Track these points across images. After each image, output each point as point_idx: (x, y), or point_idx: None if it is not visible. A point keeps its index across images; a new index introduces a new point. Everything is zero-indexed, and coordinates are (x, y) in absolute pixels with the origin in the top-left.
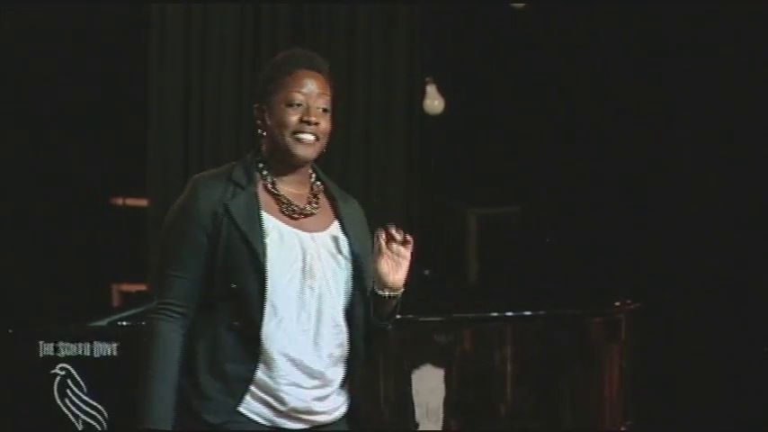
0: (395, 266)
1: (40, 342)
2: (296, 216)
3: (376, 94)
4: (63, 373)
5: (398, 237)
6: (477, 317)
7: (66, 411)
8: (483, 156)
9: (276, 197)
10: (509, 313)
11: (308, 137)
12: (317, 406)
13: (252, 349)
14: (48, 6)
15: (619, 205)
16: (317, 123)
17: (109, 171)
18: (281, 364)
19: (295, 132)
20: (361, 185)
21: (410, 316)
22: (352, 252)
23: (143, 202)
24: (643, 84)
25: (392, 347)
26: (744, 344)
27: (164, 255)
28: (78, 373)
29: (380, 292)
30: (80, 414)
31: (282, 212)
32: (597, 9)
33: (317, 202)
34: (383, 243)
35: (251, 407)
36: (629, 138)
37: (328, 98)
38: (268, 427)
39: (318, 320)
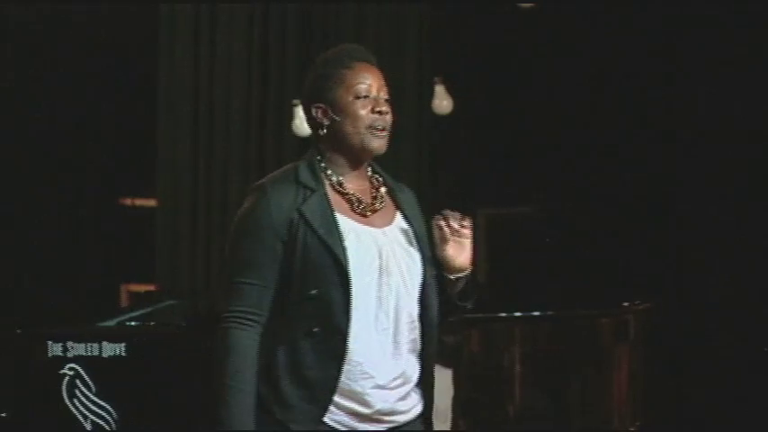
0: (459, 248)
1: (49, 342)
2: (367, 213)
3: None
4: (72, 373)
5: (455, 222)
6: (485, 317)
7: (75, 411)
8: (492, 156)
9: (344, 196)
10: (517, 314)
11: (383, 130)
12: (400, 405)
13: (336, 355)
14: (56, 6)
15: (628, 205)
16: (387, 113)
17: (118, 172)
18: (366, 368)
19: (370, 126)
20: None
21: None
22: (420, 242)
23: (152, 203)
24: (651, 84)
25: None
26: (752, 344)
27: (236, 262)
28: (87, 373)
29: (450, 276)
30: (89, 414)
31: (354, 211)
32: (605, 9)
33: (381, 196)
34: (445, 230)
35: (335, 416)
36: (638, 138)
37: (387, 89)
38: None
39: (396, 318)
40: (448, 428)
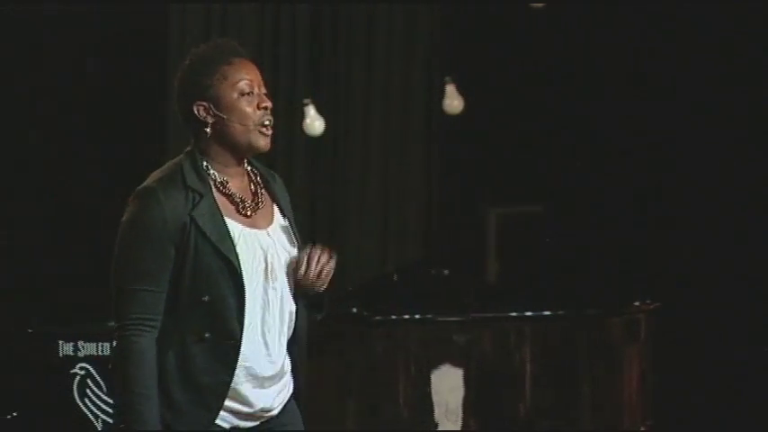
0: (317, 280)
1: (60, 342)
2: (249, 214)
3: (395, 94)
4: (83, 372)
5: (317, 263)
6: (496, 317)
7: (86, 411)
8: (503, 155)
9: (229, 197)
10: (528, 313)
11: (269, 127)
12: (276, 401)
13: (227, 361)
14: (66, 7)
15: (640, 205)
16: (271, 108)
17: (127, 172)
18: (252, 371)
19: (259, 122)
20: (380, 186)
21: (429, 316)
22: (295, 236)
23: None
24: (662, 84)
25: (411, 347)
26: (763, 343)
27: (130, 269)
28: (98, 373)
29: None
30: (99, 413)
31: (239, 213)
32: (617, 9)
33: (260, 193)
34: (304, 265)
35: (223, 416)
36: (651, 137)
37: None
38: (228, 429)
39: (281, 319)
40: (458, 428)
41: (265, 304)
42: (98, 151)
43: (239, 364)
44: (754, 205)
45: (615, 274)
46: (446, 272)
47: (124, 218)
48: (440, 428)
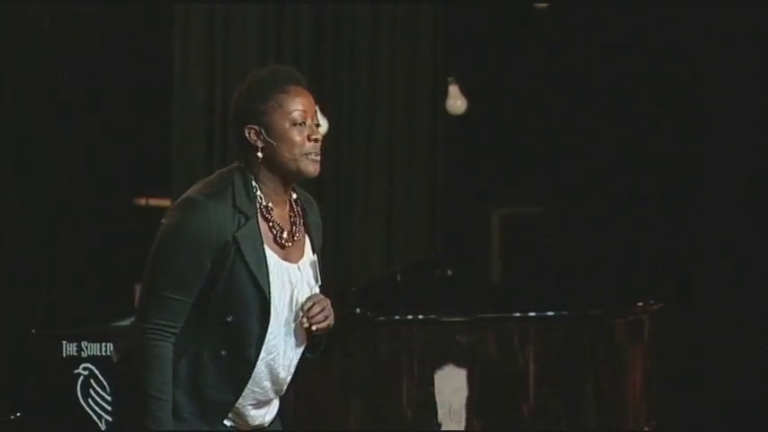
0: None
1: (64, 342)
2: (285, 245)
3: (399, 95)
4: (86, 373)
5: (307, 317)
6: (500, 317)
7: (89, 411)
8: (506, 156)
9: (270, 224)
10: (532, 314)
11: (317, 155)
12: (268, 417)
13: (237, 383)
14: (70, 7)
15: (642, 205)
16: (320, 140)
17: (132, 171)
18: (260, 395)
19: (307, 153)
20: (384, 186)
21: (433, 316)
22: (320, 272)
23: (166, 203)
24: (667, 83)
25: (415, 347)
26: (766, 343)
27: (164, 275)
28: (101, 373)
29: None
30: (103, 414)
31: (276, 242)
32: (621, 9)
33: (298, 223)
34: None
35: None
36: (654, 137)
37: (316, 111)
38: (230, 428)
39: (295, 353)
40: (462, 428)
41: (287, 338)
42: (102, 151)
43: (250, 388)
44: (759, 205)
45: (619, 275)
46: (450, 272)
47: (167, 223)
48: (443, 429)
